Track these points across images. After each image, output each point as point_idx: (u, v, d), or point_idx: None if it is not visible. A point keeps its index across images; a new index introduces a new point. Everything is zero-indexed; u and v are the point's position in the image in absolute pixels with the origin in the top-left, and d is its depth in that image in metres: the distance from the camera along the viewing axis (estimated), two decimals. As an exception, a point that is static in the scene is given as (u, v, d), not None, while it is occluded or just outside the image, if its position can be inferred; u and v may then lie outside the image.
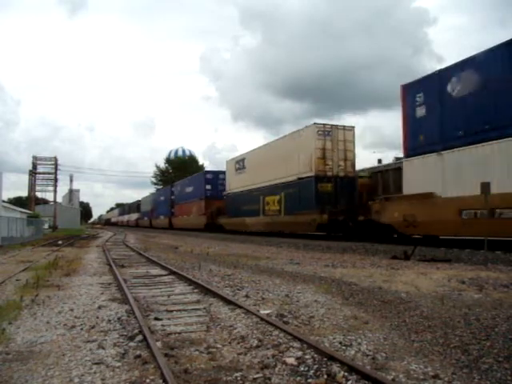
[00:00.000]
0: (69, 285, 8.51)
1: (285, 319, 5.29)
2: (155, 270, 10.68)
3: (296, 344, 4.25)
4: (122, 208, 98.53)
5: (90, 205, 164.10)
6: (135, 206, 74.31)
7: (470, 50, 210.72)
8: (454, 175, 13.36)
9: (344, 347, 4.20)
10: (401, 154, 17.56)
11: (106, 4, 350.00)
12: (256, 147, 29.47)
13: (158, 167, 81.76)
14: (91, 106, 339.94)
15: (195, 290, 7.55)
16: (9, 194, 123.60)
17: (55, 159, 57.10)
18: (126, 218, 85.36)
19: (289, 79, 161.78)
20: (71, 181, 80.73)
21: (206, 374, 3.57)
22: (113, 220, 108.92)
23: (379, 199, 17.14)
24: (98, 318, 5.60)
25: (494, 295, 6.39)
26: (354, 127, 22.15)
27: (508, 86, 11.76)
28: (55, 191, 58.27)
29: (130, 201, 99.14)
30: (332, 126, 21.64)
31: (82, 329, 5.07)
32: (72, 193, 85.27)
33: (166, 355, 3.96)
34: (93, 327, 5.12)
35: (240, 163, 31.14)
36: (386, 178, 18.23)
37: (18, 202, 73.29)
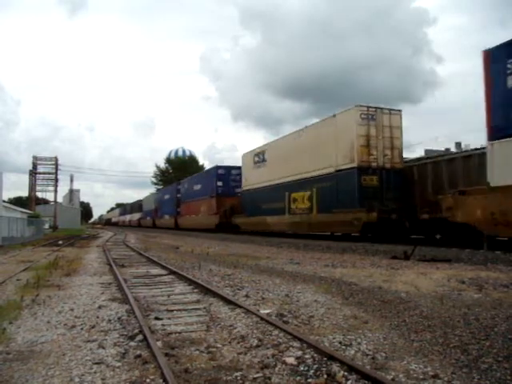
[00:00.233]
0: (69, 285, 8.52)
1: (285, 319, 5.30)
2: (155, 270, 10.69)
3: (296, 344, 4.26)
4: (124, 208, 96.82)
5: (91, 205, 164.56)
6: (137, 206, 72.27)
7: (470, 50, 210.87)
8: None
9: (344, 347, 4.21)
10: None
11: (105, 4, 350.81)
12: (278, 137, 26.28)
13: (158, 167, 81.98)
14: (91, 105, 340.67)
15: (195, 290, 7.55)
16: (9, 194, 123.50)
17: (55, 159, 57.26)
18: (127, 217, 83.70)
19: (289, 79, 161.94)
20: (71, 181, 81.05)
21: (206, 373, 3.58)
22: (114, 220, 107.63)
23: (451, 193, 14.04)
24: (98, 317, 5.61)
25: (493, 295, 6.39)
26: (400, 110, 18.98)
27: None
28: (55, 191, 58.52)
29: (130, 201, 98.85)
30: (376, 108, 18.56)
31: (82, 328, 5.08)
32: (72, 193, 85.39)
33: (166, 355, 3.97)
34: (93, 327, 5.13)
35: (260, 156, 27.69)
36: (438, 170, 15.91)
37: (18, 201, 73.34)
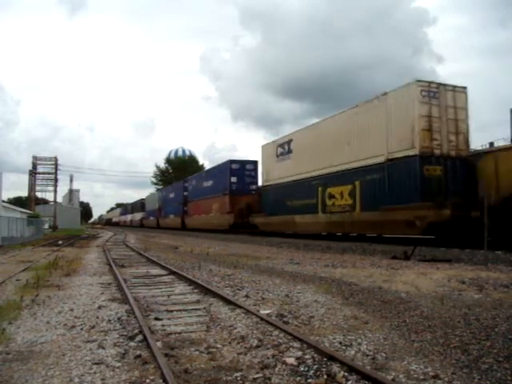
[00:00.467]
0: (69, 285, 8.51)
1: (285, 319, 5.30)
2: (155, 270, 10.68)
3: (296, 344, 4.25)
4: (125, 207, 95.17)
5: (90, 205, 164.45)
6: (139, 205, 69.59)
7: (470, 50, 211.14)
8: None
9: (344, 347, 4.20)
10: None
11: (105, 4, 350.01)
12: (308, 125, 23.62)
13: (158, 167, 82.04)
14: (91, 106, 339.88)
15: (195, 290, 7.55)
16: (9, 194, 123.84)
17: (55, 159, 57.27)
18: (128, 217, 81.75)
19: (289, 79, 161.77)
20: (71, 181, 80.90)
21: (206, 373, 3.58)
22: (114, 220, 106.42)
23: None
24: (98, 317, 5.60)
25: (494, 295, 6.39)
26: (466, 87, 15.95)
27: None
28: (55, 191, 58.54)
29: (130, 201, 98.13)
30: (439, 84, 15.55)
31: (82, 329, 5.07)
32: (72, 193, 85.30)
33: (166, 355, 3.97)
34: (93, 327, 5.13)
35: (284, 147, 24.39)
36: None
37: (18, 202, 73.35)
